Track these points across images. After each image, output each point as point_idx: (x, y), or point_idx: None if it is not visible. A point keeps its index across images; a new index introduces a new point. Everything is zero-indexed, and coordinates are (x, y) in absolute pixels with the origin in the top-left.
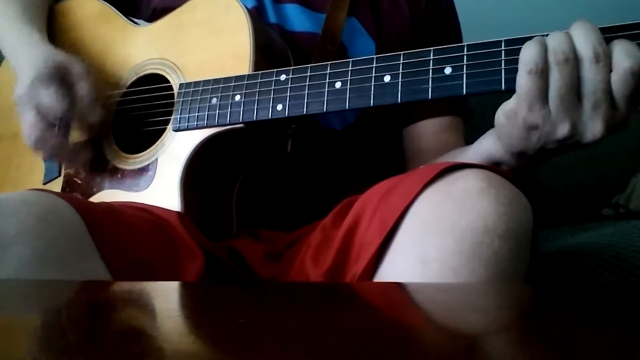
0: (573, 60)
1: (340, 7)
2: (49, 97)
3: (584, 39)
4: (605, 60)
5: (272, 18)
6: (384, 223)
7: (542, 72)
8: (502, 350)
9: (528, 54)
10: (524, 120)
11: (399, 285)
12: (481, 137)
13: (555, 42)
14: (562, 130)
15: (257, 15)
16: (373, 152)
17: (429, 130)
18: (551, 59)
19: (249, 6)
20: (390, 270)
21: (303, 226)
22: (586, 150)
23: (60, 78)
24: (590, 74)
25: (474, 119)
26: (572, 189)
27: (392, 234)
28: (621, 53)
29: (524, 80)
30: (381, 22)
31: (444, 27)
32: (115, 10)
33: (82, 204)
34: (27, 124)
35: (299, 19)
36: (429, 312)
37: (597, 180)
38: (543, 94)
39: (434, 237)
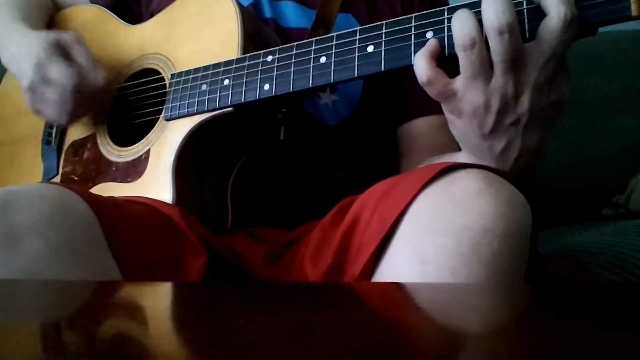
0: (479, 43)
1: (332, 3)
2: (58, 71)
3: (490, 9)
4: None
5: (267, 14)
6: (382, 223)
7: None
8: (501, 350)
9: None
10: (454, 112)
11: (398, 286)
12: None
13: (458, 28)
14: (478, 100)
15: (249, 8)
16: (367, 147)
17: (422, 128)
18: (458, 49)
19: (246, 3)
20: (389, 270)
21: (301, 224)
22: (586, 150)
23: (60, 52)
24: (499, 47)
25: None
26: (572, 189)
27: (391, 234)
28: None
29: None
30: (377, 19)
31: None
32: (112, 14)
33: (94, 198)
34: (51, 104)
35: (294, 16)
36: (429, 312)
37: (597, 180)
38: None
39: (433, 237)
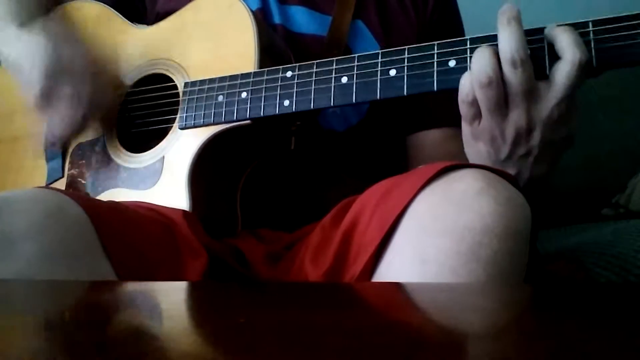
0: (496, 81)
1: (346, 10)
2: (69, 52)
3: (505, 44)
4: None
5: (276, 19)
6: (382, 223)
7: (473, 101)
8: (501, 351)
9: (462, 88)
10: (473, 136)
11: (398, 286)
12: None
13: (477, 67)
14: (495, 131)
15: (259, 16)
16: (375, 154)
17: (432, 139)
18: (476, 86)
19: (254, 7)
20: (389, 270)
21: (305, 226)
22: (586, 150)
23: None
24: (512, 79)
25: None
26: (572, 189)
27: (391, 234)
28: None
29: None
30: (388, 27)
31: (449, 34)
32: (115, 12)
33: (87, 202)
34: (60, 116)
35: (304, 21)
36: (429, 312)
37: (597, 180)
38: (479, 113)
39: (433, 237)
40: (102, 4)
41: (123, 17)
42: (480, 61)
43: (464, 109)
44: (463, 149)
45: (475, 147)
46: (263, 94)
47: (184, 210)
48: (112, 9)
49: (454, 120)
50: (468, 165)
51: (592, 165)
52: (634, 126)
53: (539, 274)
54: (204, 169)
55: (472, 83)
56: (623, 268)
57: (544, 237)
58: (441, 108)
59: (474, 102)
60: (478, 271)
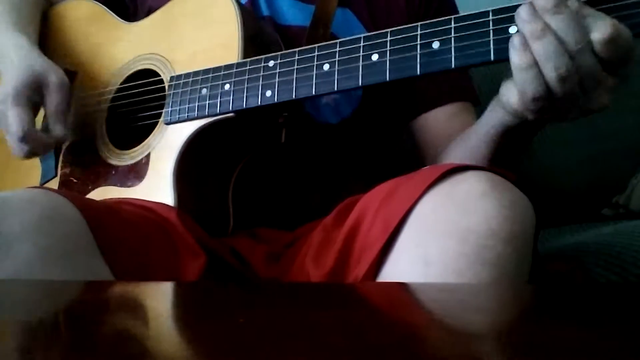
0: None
1: None
2: (13, 117)
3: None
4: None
5: (264, 11)
6: (386, 225)
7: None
8: (503, 351)
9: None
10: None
11: (400, 286)
12: (482, 118)
13: (546, 56)
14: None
15: (247, 6)
16: (371, 146)
17: (439, 119)
18: (549, 78)
19: (243, 0)
20: (393, 272)
21: (303, 224)
22: (586, 150)
23: (35, 88)
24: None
25: (480, 104)
26: (572, 189)
27: (395, 235)
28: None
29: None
30: (376, 14)
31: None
32: (108, 10)
33: (83, 202)
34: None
35: (291, 12)
36: (431, 312)
37: (597, 180)
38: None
39: (437, 239)
40: (94, 2)
41: (114, 15)
42: (551, 50)
43: (531, 105)
44: (471, 123)
45: (523, 115)
46: (245, 85)
47: (177, 209)
48: (104, 7)
49: (453, 96)
50: (472, 167)
51: (592, 165)
52: (634, 125)
53: (539, 274)
54: (190, 166)
55: (537, 74)
56: (623, 268)
57: (544, 237)
58: (437, 85)
59: (545, 96)
60: (482, 273)
